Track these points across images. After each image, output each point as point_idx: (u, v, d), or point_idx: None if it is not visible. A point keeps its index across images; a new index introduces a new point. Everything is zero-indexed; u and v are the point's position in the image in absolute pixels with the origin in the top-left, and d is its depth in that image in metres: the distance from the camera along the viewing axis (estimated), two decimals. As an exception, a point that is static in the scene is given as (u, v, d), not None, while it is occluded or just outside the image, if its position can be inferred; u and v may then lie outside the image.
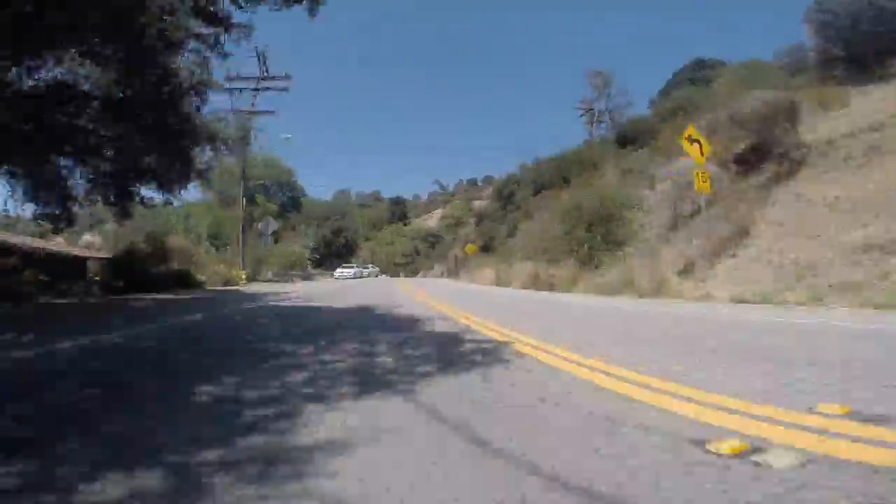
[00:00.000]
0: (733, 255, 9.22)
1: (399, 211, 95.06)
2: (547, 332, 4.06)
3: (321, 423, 1.64)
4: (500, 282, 17.84)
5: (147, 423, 1.71)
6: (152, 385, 2.33)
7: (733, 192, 11.43)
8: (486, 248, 30.32)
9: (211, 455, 1.35)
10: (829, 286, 6.33)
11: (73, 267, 15.87)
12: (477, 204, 62.02)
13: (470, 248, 31.41)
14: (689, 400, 1.77)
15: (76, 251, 18.76)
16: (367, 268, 43.14)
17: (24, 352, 3.34)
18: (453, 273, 34.63)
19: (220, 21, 6.49)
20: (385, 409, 1.84)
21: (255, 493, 1.11)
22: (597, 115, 50.08)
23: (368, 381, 2.27)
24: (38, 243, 16.87)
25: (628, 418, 1.59)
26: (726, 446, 1.27)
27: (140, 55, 5.93)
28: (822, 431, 1.39)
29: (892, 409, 1.55)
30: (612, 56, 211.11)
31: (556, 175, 25.72)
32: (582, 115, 38.65)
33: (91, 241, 25.30)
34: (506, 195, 33.52)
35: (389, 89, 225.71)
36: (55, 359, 3.15)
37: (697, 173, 8.81)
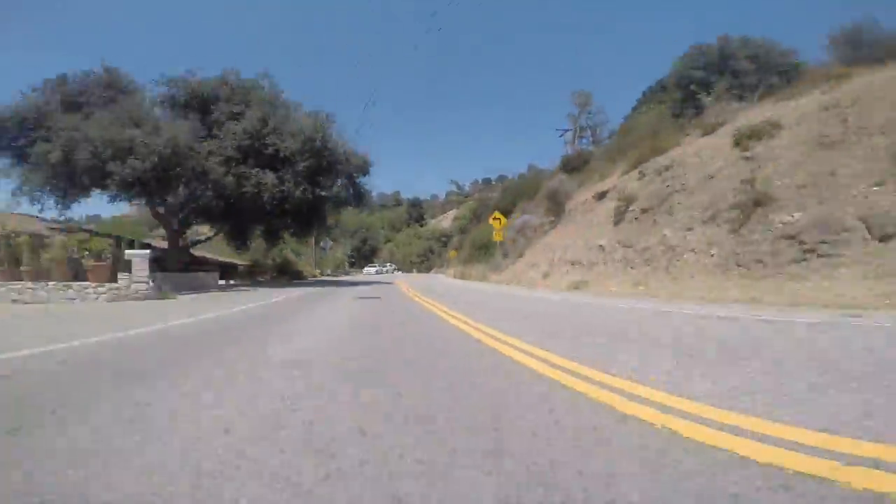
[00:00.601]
0: (514, 265, 24.63)
1: (416, 213, 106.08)
2: (427, 292, 19.79)
3: (368, 284, 17.59)
4: (455, 276, 33.35)
5: (341, 288, 17.68)
6: (335, 289, 18.27)
7: (537, 234, 26.70)
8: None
9: (347, 284, 17.29)
10: (516, 280, 21.81)
11: (229, 268, 32.45)
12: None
13: (452, 252, 46.56)
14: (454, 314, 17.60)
15: (229, 259, 35.46)
16: (387, 266, 59.08)
17: (315, 286, 19.44)
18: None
19: (340, 205, 22.87)
20: (378, 286, 17.70)
21: (364, 285, 17.06)
22: (578, 131, 61.22)
23: (374, 284, 18.12)
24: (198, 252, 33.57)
25: (424, 309, 17.44)
26: (440, 313, 16.94)
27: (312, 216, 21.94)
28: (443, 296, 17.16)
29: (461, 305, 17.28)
30: (610, 66, 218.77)
31: (510, 200, 40.39)
32: (561, 136, 44.37)
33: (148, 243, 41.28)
34: (478, 214, 48.73)
35: (405, 91, 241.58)
36: (316, 286, 19.16)
37: (496, 231, 24.06)
